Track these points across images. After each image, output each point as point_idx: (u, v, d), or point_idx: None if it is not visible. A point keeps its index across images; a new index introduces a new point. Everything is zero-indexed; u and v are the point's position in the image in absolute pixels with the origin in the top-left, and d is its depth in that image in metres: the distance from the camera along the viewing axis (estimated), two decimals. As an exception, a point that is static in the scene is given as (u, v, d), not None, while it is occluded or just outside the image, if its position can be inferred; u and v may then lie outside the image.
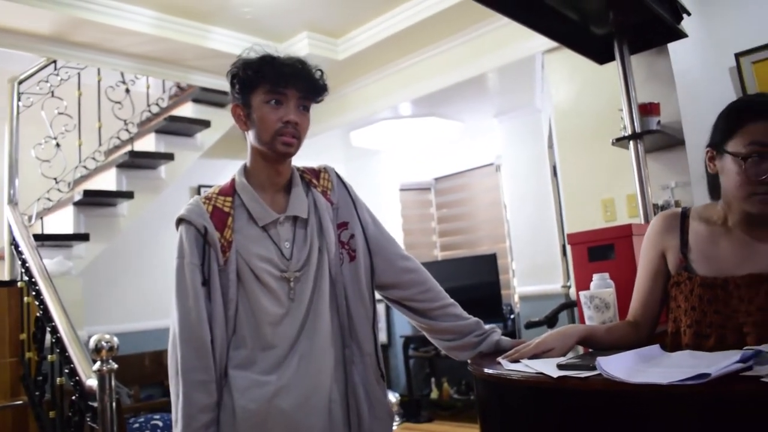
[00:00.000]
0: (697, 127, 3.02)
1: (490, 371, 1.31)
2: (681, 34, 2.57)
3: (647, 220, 2.34)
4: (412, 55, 4.60)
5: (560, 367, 1.19)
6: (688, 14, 2.60)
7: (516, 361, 1.36)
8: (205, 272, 1.42)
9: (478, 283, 5.27)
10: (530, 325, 3.25)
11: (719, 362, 1.00)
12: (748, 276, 1.35)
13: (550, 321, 3.16)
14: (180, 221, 1.48)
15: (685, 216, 1.50)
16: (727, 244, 1.41)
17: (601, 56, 2.75)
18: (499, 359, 1.39)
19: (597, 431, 1.11)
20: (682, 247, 1.46)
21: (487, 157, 5.73)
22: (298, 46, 4.37)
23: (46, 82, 4.38)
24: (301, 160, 1.57)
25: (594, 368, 1.11)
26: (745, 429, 0.93)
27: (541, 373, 1.17)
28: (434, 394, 5.66)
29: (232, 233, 1.44)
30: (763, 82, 3.30)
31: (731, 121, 1.38)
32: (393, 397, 5.19)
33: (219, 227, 1.44)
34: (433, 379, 5.74)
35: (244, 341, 1.43)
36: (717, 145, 1.40)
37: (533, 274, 5.02)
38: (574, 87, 3.58)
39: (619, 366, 1.09)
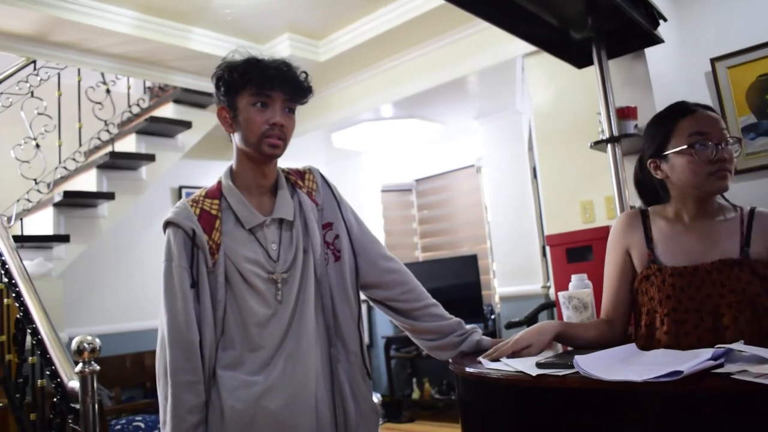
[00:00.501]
0: (673, 131, 3.08)
1: (471, 370, 1.34)
2: (657, 40, 2.62)
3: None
4: (393, 58, 4.63)
5: (539, 365, 1.22)
6: (665, 20, 2.65)
7: (496, 360, 1.39)
8: (194, 274, 1.43)
9: (459, 283, 5.31)
10: (511, 326, 3.29)
11: (692, 360, 1.04)
12: (718, 262, 1.46)
13: (530, 321, 3.21)
14: (168, 224, 1.49)
15: (645, 214, 1.61)
16: (688, 237, 1.52)
17: (580, 60, 2.79)
18: (480, 358, 1.42)
19: (575, 427, 1.15)
20: (648, 243, 1.55)
21: (468, 158, 5.77)
22: (280, 48, 4.38)
23: (26, 82, 4.35)
24: (282, 161, 1.59)
25: (572, 366, 1.14)
26: (716, 423, 0.97)
27: (521, 372, 1.21)
28: (416, 395, 5.69)
29: (220, 236, 1.46)
30: (737, 87, 3.37)
31: (664, 127, 1.56)
32: (375, 397, 5.21)
33: (207, 230, 1.45)
34: (414, 380, 5.77)
35: (233, 342, 1.45)
36: (657, 152, 1.55)
37: (513, 274, 5.07)
38: (554, 90, 3.63)
39: (596, 364, 1.12)
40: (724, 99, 3.39)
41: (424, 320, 1.64)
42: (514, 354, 1.42)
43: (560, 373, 1.15)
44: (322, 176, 1.69)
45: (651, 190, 1.68)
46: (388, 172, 6.27)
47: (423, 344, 1.67)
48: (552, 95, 3.65)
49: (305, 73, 1.57)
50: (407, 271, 1.69)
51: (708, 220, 1.53)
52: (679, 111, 1.55)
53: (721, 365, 1.03)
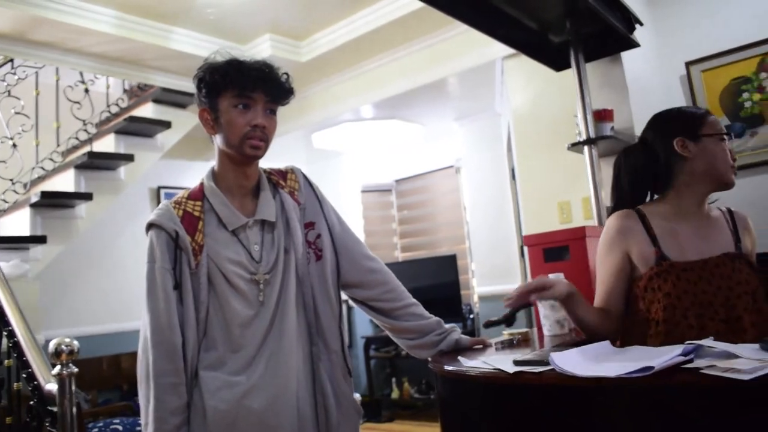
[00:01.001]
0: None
1: (450, 368, 1.36)
2: (633, 44, 2.67)
3: (601, 223, 2.43)
4: (374, 59, 4.64)
5: (516, 363, 1.25)
6: (641, 24, 2.70)
7: (516, 306, 1.56)
8: (177, 276, 1.43)
9: (438, 283, 5.34)
10: (489, 325, 3.31)
11: (663, 356, 1.07)
12: (723, 255, 1.55)
13: (509, 320, 3.21)
14: (150, 226, 1.49)
15: (640, 213, 1.63)
16: (690, 232, 1.59)
17: (558, 63, 2.83)
18: (459, 357, 1.44)
19: (551, 423, 1.17)
20: (653, 241, 1.58)
21: (447, 159, 5.81)
22: (261, 48, 4.38)
23: (3, 81, 4.31)
24: (262, 161, 1.59)
25: (548, 364, 1.17)
26: (686, 417, 1.00)
27: (498, 369, 1.23)
28: (395, 394, 5.71)
29: (203, 237, 1.46)
30: (711, 90, 3.44)
31: (696, 117, 1.65)
32: (356, 397, 5.23)
33: (190, 231, 1.46)
34: (393, 379, 5.79)
35: (215, 343, 1.46)
36: (692, 131, 1.62)
37: (492, 274, 5.11)
38: (533, 92, 3.67)
39: (571, 361, 1.15)
40: (699, 101, 3.46)
41: (405, 319, 1.66)
42: (538, 291, 1.54)
43: (537, 370, 1.17)
44: (304, 176, 1.70)
45: (644, 183, 1.71)
46: (368, 173, 6.29)
47: (403, 343, 1.69)
48: (530, 97, 3.69)
49: (287, 74, 1.58)
50: (388, 271, 1.70)
51: (703, 216, 1.62)
52: (705, 112, 1.68)
53: (691, 360, 1.06)
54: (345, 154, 6.20)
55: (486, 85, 4.58)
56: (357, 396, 1.70)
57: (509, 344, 1.63)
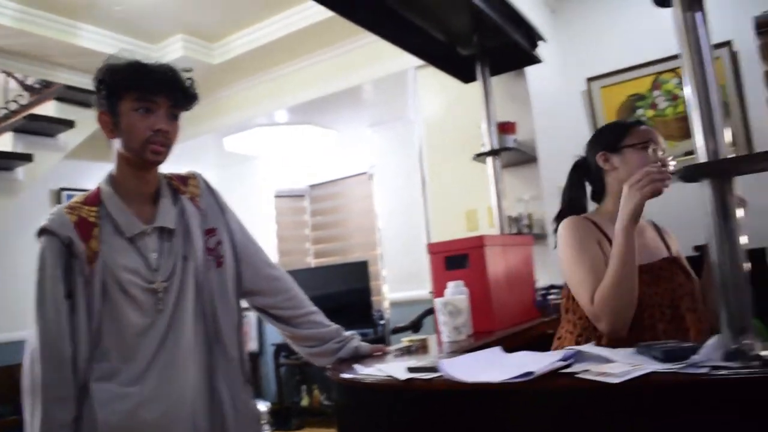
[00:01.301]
0: (550, 145, 3.27)
1: (346, 376, 1.37)
2: (536, 59, 2.78)
3: (503, 231, 2.51)
4: (289, 63, 4.62)
5: (410, 369, 1.27)
6: (544, 41, 2.81)
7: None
8: (69, 284, 1.38)
9: (349, 289, 5.35)
10: (396, 331, 3.36)
11: (545, 361, 1.12)
12: (663, 260, 1.67)
13: (416, 326, 3.28)
14: (42, 232, 1.42)
15: (591, 221, 1.71)
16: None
17: (466, 76, 2.91)
18: (355, 365, 1.45)
19: (442, 427, 1.20)
20: (611, 244, 1.62)
21: (361, 165, 5.84)
22: (173, 48, 4.27)
23: None
24: (171, 164, 1.56)
25: (438, 370, 1.20)
26: (562, 419, 1.05)
27: (391, 376, 1.25)
28: (305, 401, 5.67)
29: (99, 244, 1.41)
30: (609, 105, 3.63)
31: (619, 128, 1.75)
32: (263, 405, 5.16)
33: (84, 238, 1.40)
34: (304, 387, 5.75)
35: (108, 353, 1.41)
36: (612, 144, 1.71)
37: (403, 280, 5.17)
38: (443, 103, 3.75)
39: (460, 367, 1.18)
40: (597, 116, 3.64)
41: (305, 327, 1.66)
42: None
43: (427, 377, 1.20)
44: (206, 181, 1.68)
45: (583, 193, 1.83)
46: (281, 178, 6.23)
47: (303, 351, 1.69)
48: (441, 107, 3.77)
49: (191, 79, 1.55)
50: (289, 278, 1.70)
51: (636, 223, 1.64)
52: (634, 122, 1.75)
53: (569, 365, 1.12)
54: (258, 158, 6.12)
55: (400, 93, 4.63)
56: (262, 404, 1.68)
57: (407, 351, 1.66)
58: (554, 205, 2.89)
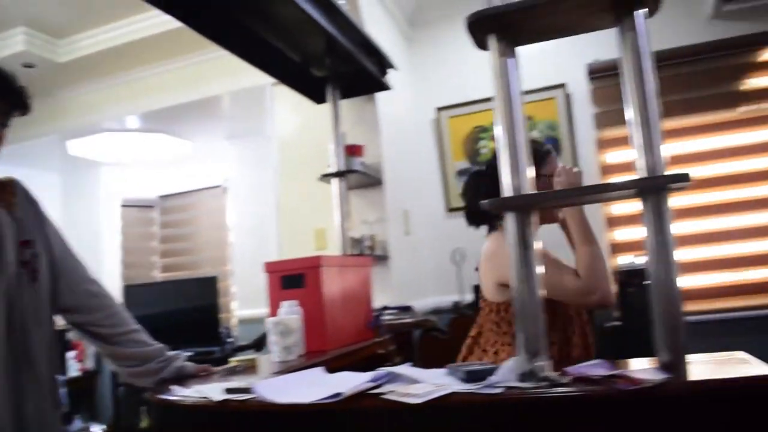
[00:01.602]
0: (396, 170, 3.38)
1: (163, 397, 1.34)
2: (385, 86, 2.86)
3: (345, 252, 2.56)
4: (143, 68, 4.44)
5: (227, 390, 1.25)
6: (394, 68, 2.90)
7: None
8: None
9: (197, 305, 5.18)
10: (238, 350, 3.31)
11: (355, 381, 1.15)
12: None
13: (259, 345, 3.25)
14: None
15: None
16: None
17: (318, 97, 2.94)
18: (172, 386, 1.41)
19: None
20: None
21: (215, 178, 5.71)
22: (13, 41, 3.96)
23: None
24: (4, 166, 1.46)
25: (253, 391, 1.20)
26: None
27: (206, 397, 1.23)
28: (144, 423, 5.39)
29: None
30: (456, 135, 3.81)
31: (540, 156, 1.84)
32: (99, 428, 4.86)
33: None
34: (143, 408, 5.47)
35: None
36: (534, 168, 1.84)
37: (253, 297, 5.07)
38: (298, 121, 3.77)
39: (275, 388, 1.18)
40: (445, 145, 3.81)
41: (126, 346, 1.59)
42: None
43: (242, 398, 1.19)
44: (25, 190, 1.57)
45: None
46: (130, 186, 5.94)
47: (123, 371, 1.62)
48: (296, 125, 3.78)
49: (23, 86, 1.47)
50: (110, 295, 1.63)
51: None
52: (548, 150, 1.89)
53: (379, 386, 1.15)
54: (105, 164, 5.81)
55: (258, 107, 4.58)
56: (97, 427, 1.59)
57: (232, 371, 1.64)
58: (398, 228, 3.01)
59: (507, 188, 1.18)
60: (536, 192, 1.20)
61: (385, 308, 2.38)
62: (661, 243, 1.10)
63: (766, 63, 3.58)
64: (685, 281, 3.44)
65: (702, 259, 3.51)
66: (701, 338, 2.85)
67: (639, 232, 3.46)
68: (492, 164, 1.90)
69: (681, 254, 3.43)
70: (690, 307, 3.35)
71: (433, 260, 3.76)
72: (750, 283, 3.44)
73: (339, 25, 2.38)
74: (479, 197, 1.91)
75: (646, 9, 1.20)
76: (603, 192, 1.32)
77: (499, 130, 1.21)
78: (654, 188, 1.11)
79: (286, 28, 2.42)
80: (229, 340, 5.35)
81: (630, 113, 1.15)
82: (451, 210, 3.78)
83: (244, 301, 5.18)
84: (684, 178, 1.09)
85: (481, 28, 1.24)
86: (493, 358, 1.82)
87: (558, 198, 1.43)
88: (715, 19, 3.59)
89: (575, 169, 1.74)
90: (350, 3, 3.10)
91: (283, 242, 3.87)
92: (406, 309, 2.77)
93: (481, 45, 1.30)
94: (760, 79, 3.57)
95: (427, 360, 2.17)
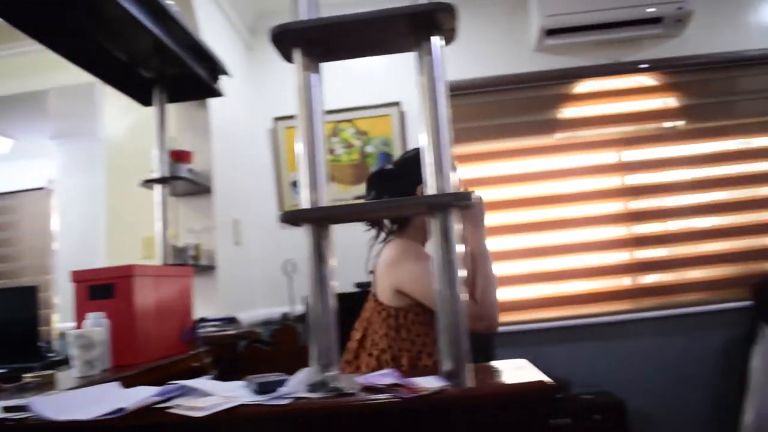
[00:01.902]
0: (227, 178, 3.32)
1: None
2: (217, 93, 2.81)
3: (165, 262, 2.48)
4: (-48, 54, 4.04)
5: (5, 409, 1.17)
6: (227, 75, 2.86)
7: None
8: None
9: (13, 318, 4.77)
10: (57, 364, 3.09)
11: (143, 395, 1.12)
12: None
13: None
14: None
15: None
16: None
17: (146, 99, 2.83)
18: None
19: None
20: None
21: (39, 180, 5.31)
22: None
23: None
24: None
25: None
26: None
27: None
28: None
29: None
30: (291, 146, 3.82)
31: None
32: None
33: None
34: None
35: None
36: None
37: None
38: (128, 123, 3.61)
39: (55, 405, 1.12)
40: (281, 154, 3.81)
41: None
42: None
43: (20, 416, 1.12)
44: None
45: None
46: (-62, 186, 5.38)
47: None
48: (126, 127, 3.62)
49: None
50: None
51: None
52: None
53: (167, 400, 1.13)
54: None
55: (87, 106, 4.32)
56: None
57: (23, 388, 1.53)
58: (227, 237, 2.96)
59: (305, 201, 1.21)
60: (332, 205, 1.23)
61: (203, 320, 2.33)
62: (446, 259, 1.17)
63: (580, 95, 3.94)
64: (504, 293, 3.68)
65: (522, 273, 3.77)
66: (519, 347, 3.08)
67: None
68: (407, 163, 1.87)
69: (501, 268, 3.67)
70: (507, 318, 3.58)
71: (264, 271, 3.72)
72: (565, 296, 3.74)
73: (167, 27, 2.32)
74: (392, 197, 1.86)
75: (443, 36, 1.29)
76: (399, 207, 1.39)
77: (300, 146, 1.24)
78: (441, 205, 1.18)
79: (111, 26, 2.32)
80: (49, 354, 4.98)
81: (423, 135, 1.22)
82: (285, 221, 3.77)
83: (67, 312, 4.84)
84: (467, 197, 1.18)
85: (285, 41, 1.27)
86: (393, 365, 1.76)
87: (355, 212, 1.48)
88: (537, 52, 3.90)
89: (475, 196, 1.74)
90: (184, 7, 3.02)
91: (112, 250, 3.68)
92: (230, 320, 2.73)
93: (288, 58, 1.32)
94: (575, 109, 3.93)
95: (252, 371, 2.15)
